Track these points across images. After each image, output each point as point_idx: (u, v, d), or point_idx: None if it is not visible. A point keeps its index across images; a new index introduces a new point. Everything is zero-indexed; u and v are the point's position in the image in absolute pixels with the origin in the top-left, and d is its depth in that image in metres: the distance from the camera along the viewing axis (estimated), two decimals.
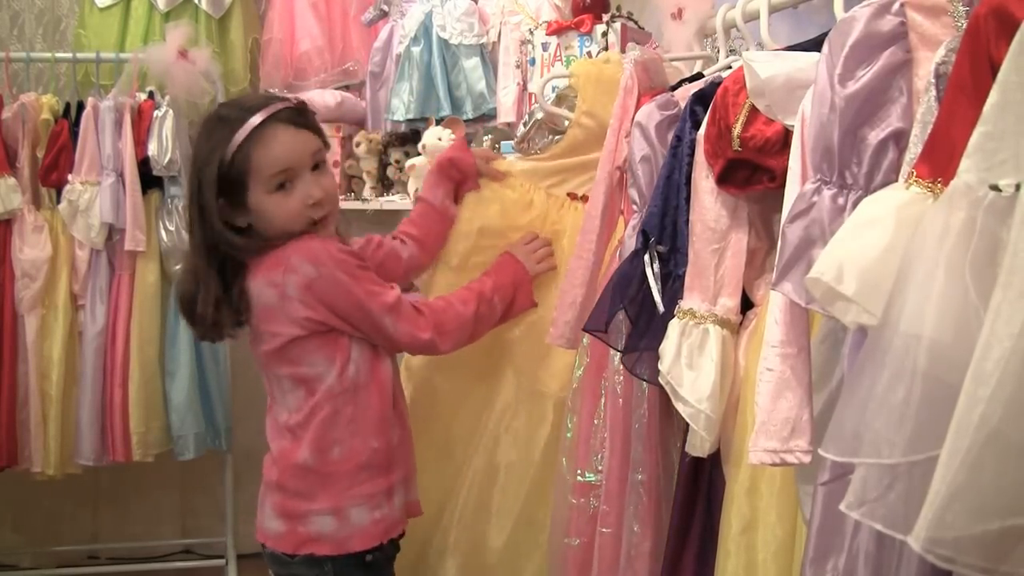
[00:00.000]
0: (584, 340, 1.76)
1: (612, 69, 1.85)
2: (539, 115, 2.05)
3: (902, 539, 0.80)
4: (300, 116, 1.73)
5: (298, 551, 1.71)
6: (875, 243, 0.92)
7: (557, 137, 2.01)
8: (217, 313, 1.72)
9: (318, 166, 1.73)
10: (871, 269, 0.92)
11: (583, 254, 1.75)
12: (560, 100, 1.99)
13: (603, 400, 1.71)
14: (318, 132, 1.76)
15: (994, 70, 0.83)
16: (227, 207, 1.69)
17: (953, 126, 0.89)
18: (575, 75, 1.92)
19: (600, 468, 1.69)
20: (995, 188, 0.79)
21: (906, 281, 0.84)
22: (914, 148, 1.00)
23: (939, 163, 0.91)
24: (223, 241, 1.69)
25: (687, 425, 1.54)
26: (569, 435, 1.80)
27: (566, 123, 1.96)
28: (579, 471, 1.75)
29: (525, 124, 2.10)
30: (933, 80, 0.99)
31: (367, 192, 3.18)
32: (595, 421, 1.72)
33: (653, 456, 1.59)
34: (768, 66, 1.25)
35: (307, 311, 1.68)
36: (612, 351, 1.66)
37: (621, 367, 1.63)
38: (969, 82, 0.88)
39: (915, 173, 0.94)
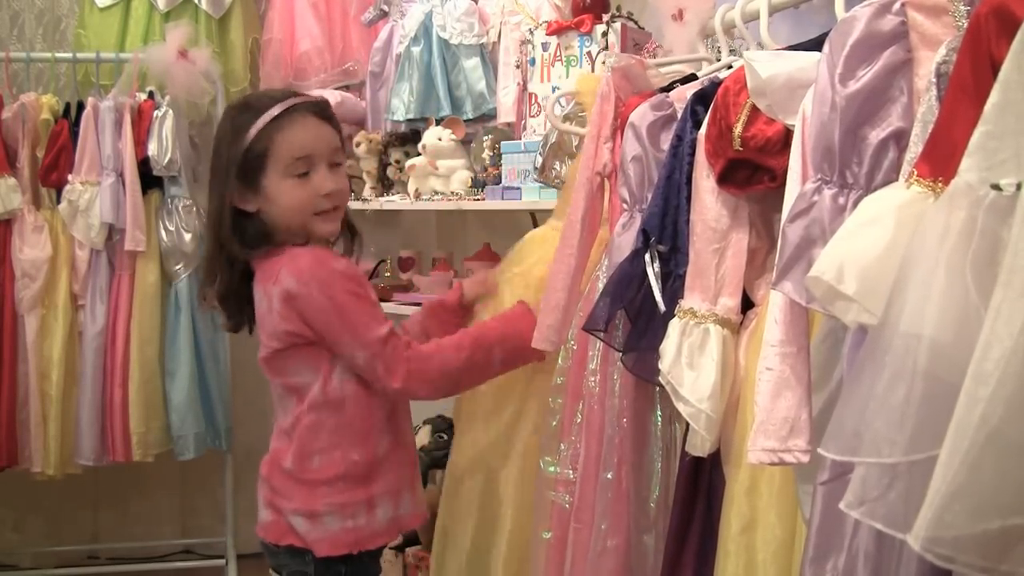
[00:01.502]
0: (570, 341, 1.76)
1: None
2: (553, 139, 2.02)
3: (902, 538, 0.80)
4: (324, 110, 1.78)
5: (280, 541, 1.75)
6: (876, 242, 0.92)
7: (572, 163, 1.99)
8: (230, 302, 1.78)
9: (335, 165, 1.76)
10: (872, 268, 0.92)
11: (563, 258, 1.75)
12: (567, 120, 1.97)
13: (582, 401, 1.72)
14: (339, 131, 1.80)
15: (995, 69, 0.83)
16: (241, 188, 1.72)
17: (954, 125, 0.89)
18: (580, 92, 1.91)
19: (577, 465, 1.70)
20: (996, 187, 0.79)
21: (906, 281, 0.84)
22: (915, 147, 1.00)
23: (940, 162, 0.90)
24: (227, 228, 1.71)
25: (664, 425, 1.55)
26: (551, 432, 1.80)
27: (576, 141, 1.95)
28: (555, 467, 1.76)
29: (540, 152, 2.06)
30: (934, 79, 0.99)
31: (367, 192, 3.18)
32: (577, 419, 1.73)
33: (622, 456, 1.60)
34: (769, 65, 1.25)
35: (285, 324, 1.69)
36: (591, 353, 1.67)
37: (597, 368, 1.65)
38: (970, 81, 0.88)
39: (916, 172, 0.94)
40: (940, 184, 0.90)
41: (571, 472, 1.72)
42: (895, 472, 0.83)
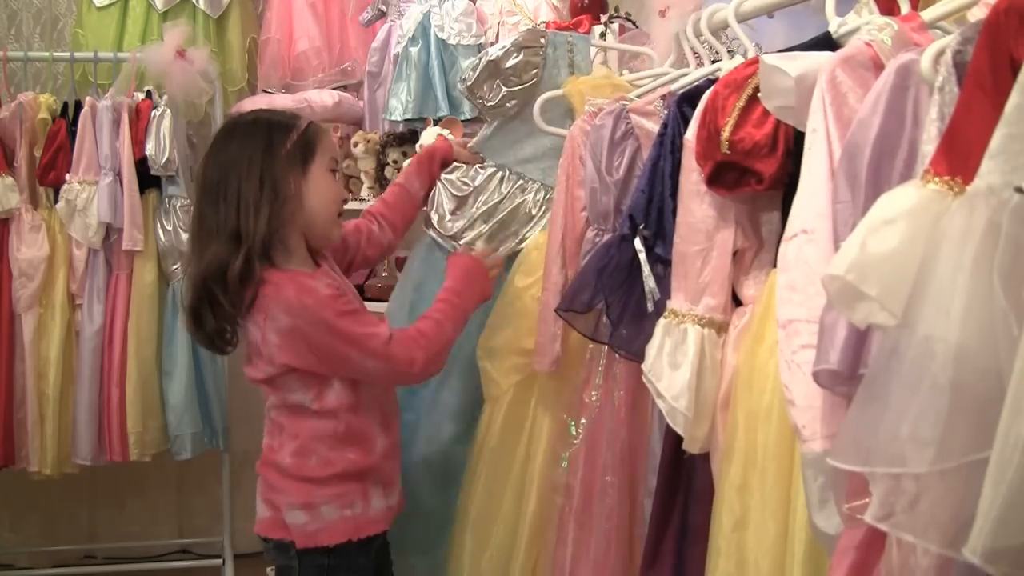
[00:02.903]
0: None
1: (608, 86, 1.87)
2: (493, 57, 2.04)
3: (939, 551, 0.77)
4: None
5: (270, 535, 1.79)
6: (894, 242, 0.90)
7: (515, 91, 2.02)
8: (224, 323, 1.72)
9: None
10: (892, 269, 0.89)
11: (550, 295, 1.84)
12: (521, 50, 2.00)
13: (584, 414, 1.75)
14: None
15: (1014, 67, 0.81)
16: (290, 169, 1.71)
17: (971, 122, 0.88)
18: (569, 94, 1.93)
19: (578, 471, 1.74)
20: (1020, 191, 0.77)
21: (926, 283, 0.82)
22: (929, 145, 0.97)
23: (957, 160, 0.88)
24: (291, 207, 1.70)
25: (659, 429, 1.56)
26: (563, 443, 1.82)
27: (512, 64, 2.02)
28: (561, 473, 1.79)
29: (473, 69, 2.07)
30: (952, 70, 0.97)
31: (364, 192, 3.18)
32: (577, 430, 1.76)
33: (620, 460, 1.63)
34: (795, 64, 1.23)
35: (283, 356, 1.69)
36: (596, 369, 1.71)
37: (601, 382, 1.66)
38: (988, 78, 0.87)
39: (932, 170, 0.91)
40: (958, 181, 0.88)
41: (571, 478, 1.75)
42: (923, 482, 0.80)
